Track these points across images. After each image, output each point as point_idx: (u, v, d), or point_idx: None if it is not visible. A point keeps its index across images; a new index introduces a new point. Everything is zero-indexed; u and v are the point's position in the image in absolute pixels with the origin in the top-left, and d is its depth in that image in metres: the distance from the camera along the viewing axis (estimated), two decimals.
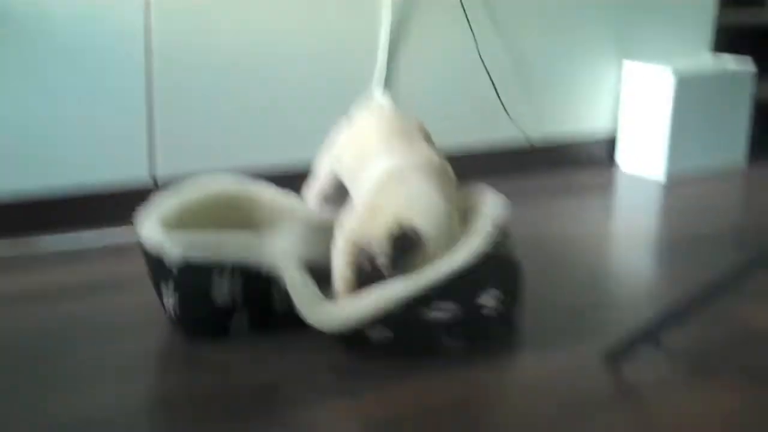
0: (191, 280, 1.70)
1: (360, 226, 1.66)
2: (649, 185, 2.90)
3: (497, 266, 1.71)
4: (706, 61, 3.12)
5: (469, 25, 2.74)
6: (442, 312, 1.64)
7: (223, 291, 1.71)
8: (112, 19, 2.27)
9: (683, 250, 2.28)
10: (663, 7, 3.11)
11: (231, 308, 1.72)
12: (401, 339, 1.64)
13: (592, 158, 3.09)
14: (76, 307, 1.87)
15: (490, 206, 1.79)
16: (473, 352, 1.68)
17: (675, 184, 2.90)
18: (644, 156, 3.00)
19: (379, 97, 2.09)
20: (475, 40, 2.76)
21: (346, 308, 1.62)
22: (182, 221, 1.86)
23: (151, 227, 1.78)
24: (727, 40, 3.29)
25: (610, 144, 3.11)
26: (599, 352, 1.67)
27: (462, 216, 1.75)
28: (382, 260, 1.63)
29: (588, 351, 1.69)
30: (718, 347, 1.74)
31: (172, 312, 1.72)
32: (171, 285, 1.71)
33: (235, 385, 1.56)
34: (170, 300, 1.72)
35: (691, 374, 1.62)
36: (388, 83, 2.66)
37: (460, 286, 1.63)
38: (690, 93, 2.93)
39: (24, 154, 2.24)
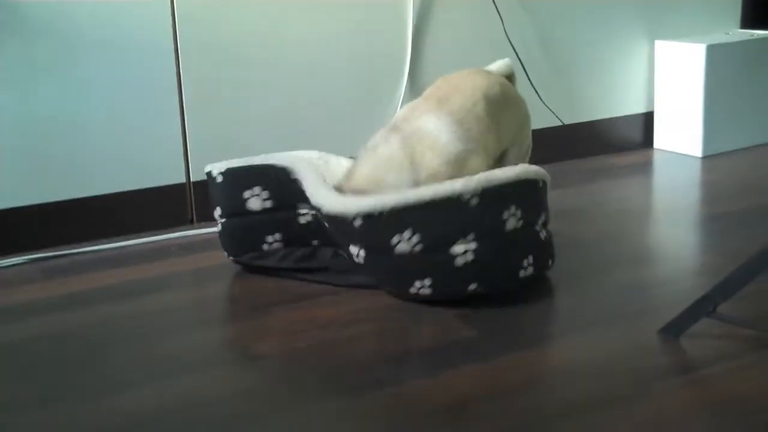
0: None
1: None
2: (688, 162, 2.86)
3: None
4: (737, 36, 3.07)
5: (496, 8, 2.71)
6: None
7: None
8: (141, 29, 2.26)
9: (727, 224, 2.24)
10: None
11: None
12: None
13: (628, 138, 3.05)
14: (116, 309, 1.86)
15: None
16: (529, 331, 1.65)
17: (713, 160, 2.86)
18: (681, 133, 2.96)
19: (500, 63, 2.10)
20: (502, 23, 2.73)
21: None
22: None
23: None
24: (757, 14, 3.24)
25: (646, 123, 3.07)
26: (656, 329, 1.63)
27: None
28: None
29: (644, 328, 1.65)
30: None
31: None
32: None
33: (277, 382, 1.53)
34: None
35: (751, 346, 1.58)
36: (415, 70, 2.63)
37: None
38: (722, 66, 2.89)
39: (62, 162, 2.23)
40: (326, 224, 1.87)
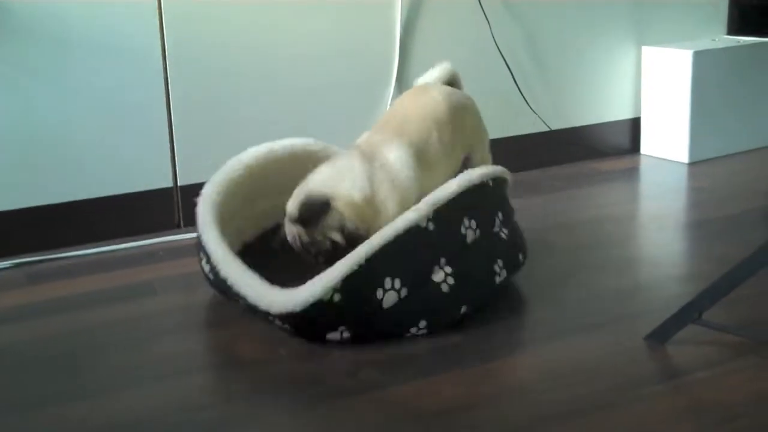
0: None
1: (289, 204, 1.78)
2: (675, 168, 2.87)
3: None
4: (724, 42, 3.08)
5: (484, 13, 2.71)
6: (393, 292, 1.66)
7: None
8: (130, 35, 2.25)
9: (715, 230, 2.25)
10: None
11: None
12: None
13: (615, 144, 3.06)
14: (103, 314, 1.86)
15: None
16: (514, 335, 1.66)
17: (700, 166, 2.87)
18: (667, 139, 2.97)
19: (432, 74, 2.08)
20: (490, 27, 2.73)
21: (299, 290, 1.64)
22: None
23: None
24: (743, 21, 3.26)
25: (633, 129, 3.08)
26: (642, 335, 1.64)
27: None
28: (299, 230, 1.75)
29: (631, 333, 1.66)
30: (764, 322, 1.70)
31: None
32: None
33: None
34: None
35: (737, 353, 1.58)
36: (403, 75, 2.64)
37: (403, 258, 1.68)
38: (709, 73, 2.90)
39: (52, 166, 2.23)
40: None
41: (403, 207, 1.75)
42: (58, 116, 2.23)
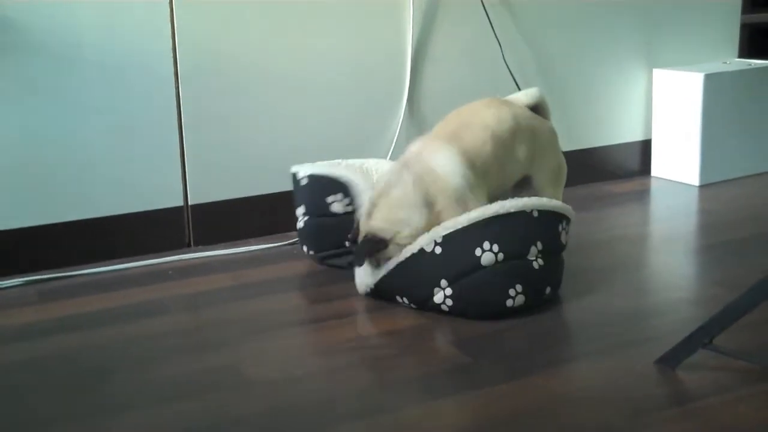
0: None
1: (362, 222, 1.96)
2: (685, 190, 2.86)
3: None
4: (735, 65, 3.08)
5: (496, 36, 2.72)
6: None
7: None
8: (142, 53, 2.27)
9: (725, 253, 2.24)
10: (688, 16, 3.08)
11: None
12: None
13: (626, 166, 3.06)
14: (113, 333, 1.86)
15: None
16: (524, 359, 1.65)
17: (711, 188, 2.87)
18: (678, 162, 2.97)
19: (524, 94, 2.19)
20: (501, 50, 2.74)
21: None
22: None
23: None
24: (754, 44, 3.26)
25: (644, 151, 3.08)
26: (652, 359, 1.63)
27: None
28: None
29: (641, 358, 1.65)
30: None
31: None
32: None
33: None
34: None
35: (747, 379, 1.57)
36: (413, 97, 2.64)
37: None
38: (720, 95, 2.90)
39: (59, 184, 2.24)
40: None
41: (460, 210, 1.88)
42: (70, 134, 2.24)
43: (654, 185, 2.95)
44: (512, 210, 1.87)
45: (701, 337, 1.57)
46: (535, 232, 1.89)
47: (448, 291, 1.86)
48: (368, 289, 1.98)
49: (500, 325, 1.83)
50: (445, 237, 1.85)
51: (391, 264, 1.92)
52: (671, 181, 2.99)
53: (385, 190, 1.93)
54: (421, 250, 1.87)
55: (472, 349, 1.72)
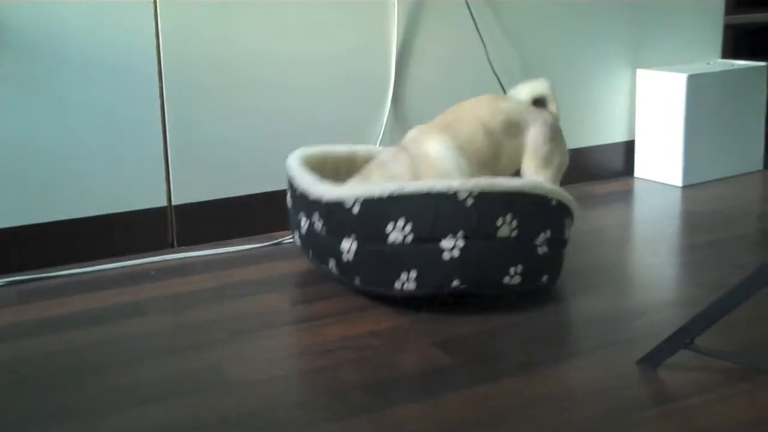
0: None
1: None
2: (668, 191, 2.87)
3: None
4: (718, 66, 3.10)
5: (480, 35, 2.72)
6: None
7: None
8: (125, 48, 2.26)
9: (707, 254, 2.25)
10: (672, 17, 3.09)
11: None
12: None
13: (609, 167, 3.06)
14: (94, 334, 1.85)
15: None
16: (506, 359, 1.65)
17: (693, 189, 2.88)
18: (661, 162, 2.98)
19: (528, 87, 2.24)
20: (485, 49, 2.74)
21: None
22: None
23: None
24: (737, 45, 3.28)
25: (627, 152, 3.08)
26: (634, 360, 1.64)
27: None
28: None
29: (622, 359, 1.66)
30: (756, 348, 1.70)
31: None
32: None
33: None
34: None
35: (728, 379, 1.58)
36: (398, 97, 2.64)
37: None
38: (703, 96, 2.91)
39: (44, 185, 2.23)
40: (322, 222, 1.96)
41: None
42: (51, 134, 2.23)
43: (637, 186, 2.96)
44: (538, 192, 1.91)
45: (683, 337, 1.58)
46: (548, 219, 1.94)
47: (461, 242, 1.85)
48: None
49: (482, 326, 1.83)
50: (480, 194, 1.85)
51: (408, 188, 1.87)
52: (654, 181, 3.00)
53: (383, 163, 2.05)
54: (456, 194, 1.85)
55: (454, 350, 1.73)
